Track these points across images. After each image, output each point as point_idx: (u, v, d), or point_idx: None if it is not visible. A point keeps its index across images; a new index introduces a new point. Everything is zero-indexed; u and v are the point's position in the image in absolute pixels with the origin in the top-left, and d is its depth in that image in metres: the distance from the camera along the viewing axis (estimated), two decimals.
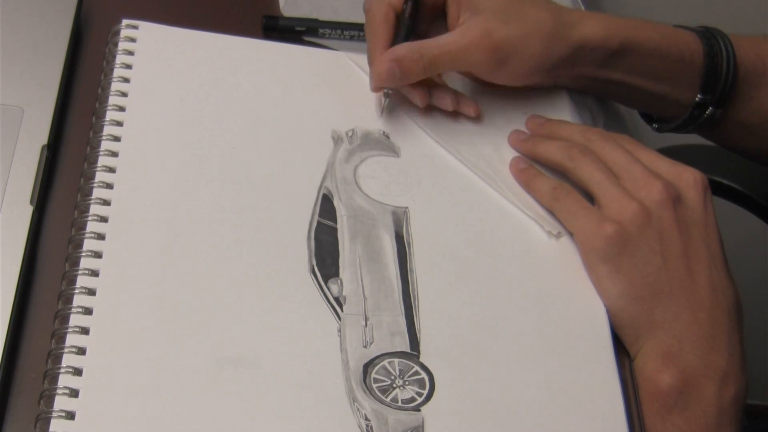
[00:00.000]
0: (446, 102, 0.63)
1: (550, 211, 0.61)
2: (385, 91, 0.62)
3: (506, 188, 0.62)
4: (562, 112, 0.67)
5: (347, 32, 0.68)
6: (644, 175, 0.58)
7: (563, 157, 0.61)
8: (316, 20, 0.69)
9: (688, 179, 0.58)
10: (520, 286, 0.58)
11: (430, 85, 0.63)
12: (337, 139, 0.62)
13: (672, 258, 0.56)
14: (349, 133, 0.63)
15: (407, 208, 0.60)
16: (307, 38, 0.68)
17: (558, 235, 0.60)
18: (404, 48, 0.60)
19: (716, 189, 0.79)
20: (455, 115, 0.65)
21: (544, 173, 0.62)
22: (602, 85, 0.66)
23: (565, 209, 0.59)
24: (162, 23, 0.64)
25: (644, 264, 0.56)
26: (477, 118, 0.65)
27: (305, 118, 0.62)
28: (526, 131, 0.65)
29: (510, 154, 0.64)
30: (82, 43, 0.64)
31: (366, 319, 0.54)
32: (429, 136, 0.64)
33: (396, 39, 0.62)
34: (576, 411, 0.53)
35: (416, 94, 0.63)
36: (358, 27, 0.68)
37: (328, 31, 0.68)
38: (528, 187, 0.61)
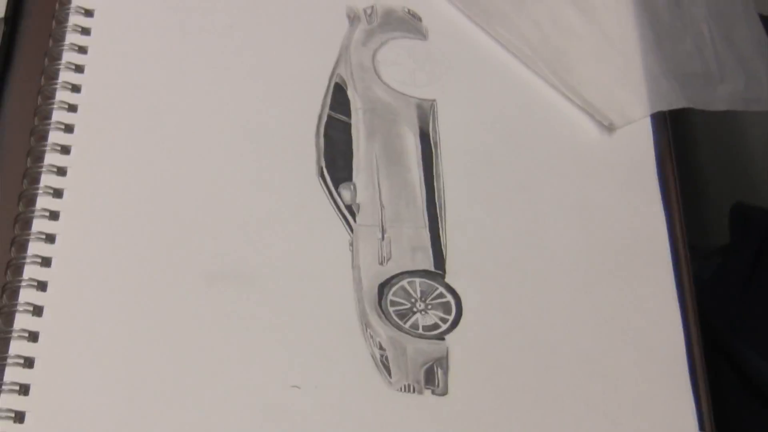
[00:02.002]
0: None
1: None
2: None
3: (550, 72, 0.58)
4: None
5: None
6: None
7: None
8: None
9: None
10: (565, 194, 0.54)
11: None
12: (353, 18, 0.58)
13: None
14: (368, 11, 0.58)
15: (435, 100, 0.56)
16: None
17: (610, 127, 0.56)
18: None
19: None
20: None
21: None
22: None
23: None
24: None
25: None
26: None
27: None
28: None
29: (554, 30, 0.59)
30: None
31: (383, 232, 0.51)
32: (461, 12, 0.60)
33: None
34: (628, 344, 0.50)
35: None
36: None
37: None
38: None
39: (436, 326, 0.48)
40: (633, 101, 0.57)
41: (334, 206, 0.51)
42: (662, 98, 0.58)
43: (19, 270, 0.46)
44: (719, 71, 0.61)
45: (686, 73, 0.60)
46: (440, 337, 0.48)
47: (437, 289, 0.50)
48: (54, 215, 0.47)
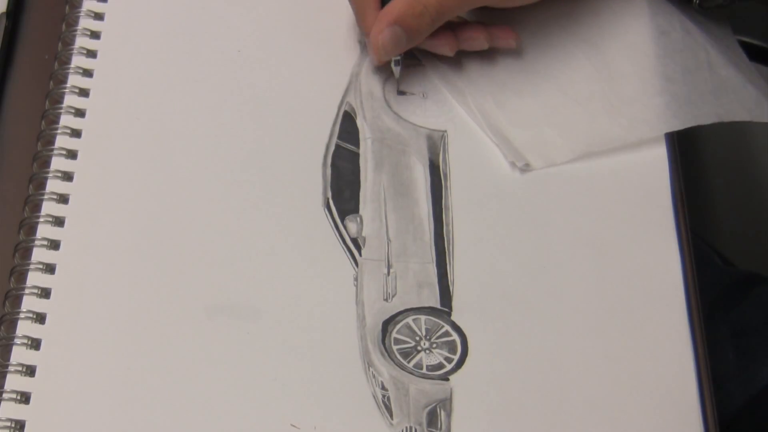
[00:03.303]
0: (479, 41, 0.55)
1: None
2: (394, 59, 0.55)
3: (475, 108, 0.55)
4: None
5: None
6: None
7: None
8: None
9: None
10: (577, 230, 0.52)
11: (450, 24, 0.56)
12: (364, 44, 0.56)
13: None
14: None
15: (446, 132, 0.54)
16: None
17: (524, 168, 0.53)
18: (400, 3, 0.53)
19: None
20: None
21: None
22: None
23: None
24: None
25: None
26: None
27: (325, 17, 0.57)
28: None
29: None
30: None
31: (389, 266, 0.50)
32: None
33: None
34: (639, 389, 0.48)
35: (442, 43, 0.55)
36: None
37: None
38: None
39: (440, 366, 0.47)
40: (561, 143, 0.54)
41: (340, 239, 0.50)
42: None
43: (22, 277, 0.45)
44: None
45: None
46: (444, 377, 0.47)
47: (443, 327, 0.48)
48: (59, 221, 0.47)
